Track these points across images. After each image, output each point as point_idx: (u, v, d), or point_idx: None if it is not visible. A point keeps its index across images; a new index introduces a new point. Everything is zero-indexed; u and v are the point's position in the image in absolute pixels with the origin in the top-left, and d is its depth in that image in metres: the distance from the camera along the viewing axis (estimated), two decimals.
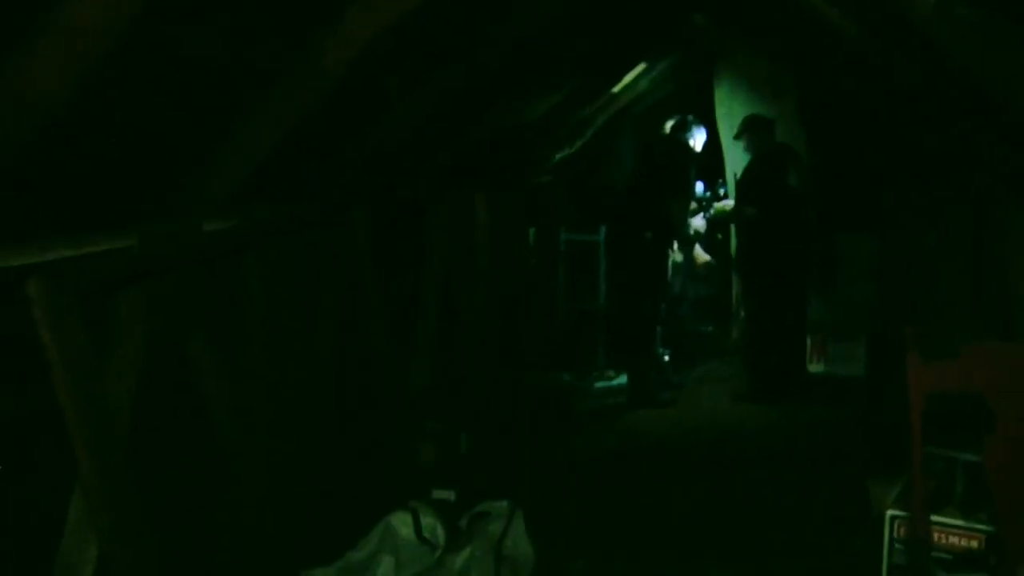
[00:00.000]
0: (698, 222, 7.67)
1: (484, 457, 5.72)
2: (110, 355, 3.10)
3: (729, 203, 8.03)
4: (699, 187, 8.10)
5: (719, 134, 8.69)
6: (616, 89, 8.08)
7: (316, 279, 4.85)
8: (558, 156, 8.67)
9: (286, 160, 3.83)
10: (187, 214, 3.22)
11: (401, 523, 4.41)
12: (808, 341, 7.83)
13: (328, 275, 4.97)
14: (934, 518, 3.27)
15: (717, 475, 5.78)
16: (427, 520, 4.42)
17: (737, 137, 7.59)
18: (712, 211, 8.18)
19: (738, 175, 8.52)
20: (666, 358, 8.18)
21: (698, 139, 7.61)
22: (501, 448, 6.06)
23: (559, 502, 5.30)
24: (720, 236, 8.33)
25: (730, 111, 8.65)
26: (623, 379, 7.70)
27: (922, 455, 3.08)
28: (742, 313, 7.78)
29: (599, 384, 7.77)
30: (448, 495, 4.83)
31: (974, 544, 3.28)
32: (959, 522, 3.32)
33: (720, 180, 8.46)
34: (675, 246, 7.50)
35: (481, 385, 6.64)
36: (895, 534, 3.43)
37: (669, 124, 7.60)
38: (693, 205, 7.80)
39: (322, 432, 4.75)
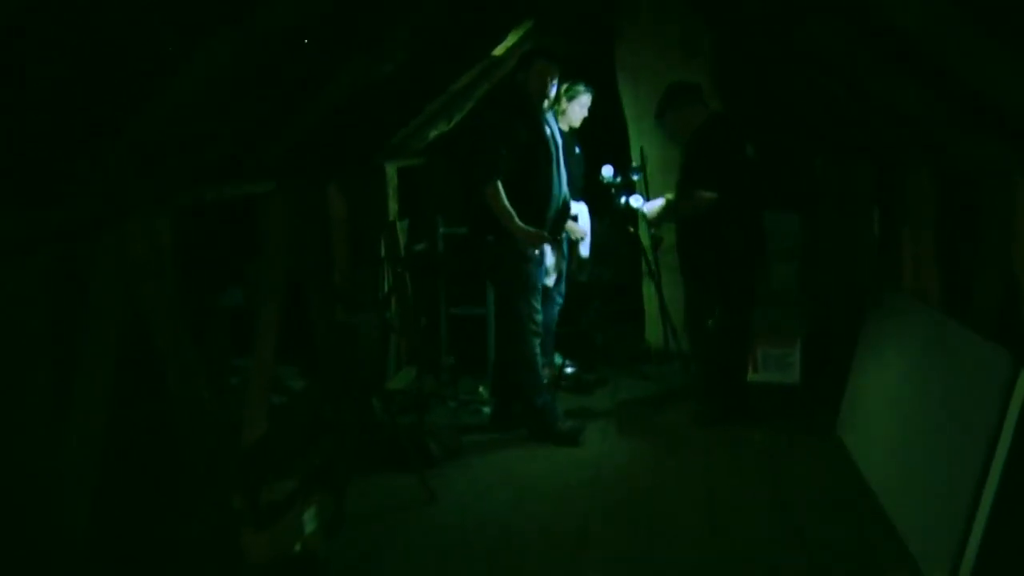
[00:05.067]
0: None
1: (332, 541, 4.30)
2: None
3: (657, 203, 6.29)
4: (607, 171, 6.58)
5: (622, 103, 7.40)
6: (498, 51, 6.72)
7: (73, 313, 3.40)
8: (433, 134, 7.28)
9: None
10: None
11: None
12: None
13: (101, 305, 3.53)
14: None
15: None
16: None
17: (660, 115, 6.08)
18: (641, 207, 6.53)
19: (646, 151, 7.19)
20: (568, 370, 6.85)
21: (578, 108, 6.23)
22: (362, 524, 4.60)
23: None
24: (632, 228, 6.94)
25: (634, 75, 7.35)
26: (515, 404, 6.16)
27: None
28: (707, 323, 6.10)
29: (489, 410, 6.27)
30: None
31: None
32: None
33: (634, 165, 6.99)
34: None
35: (340, 429, 5.21)
36: None
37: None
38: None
39: (92, 534, 3.30)
